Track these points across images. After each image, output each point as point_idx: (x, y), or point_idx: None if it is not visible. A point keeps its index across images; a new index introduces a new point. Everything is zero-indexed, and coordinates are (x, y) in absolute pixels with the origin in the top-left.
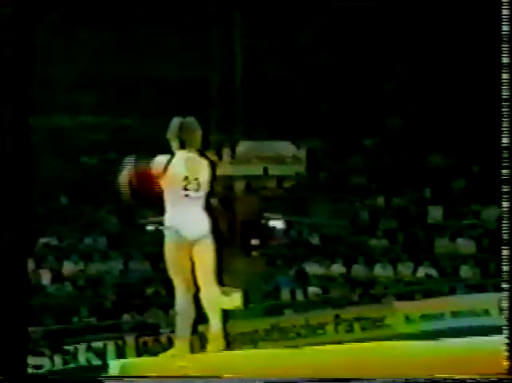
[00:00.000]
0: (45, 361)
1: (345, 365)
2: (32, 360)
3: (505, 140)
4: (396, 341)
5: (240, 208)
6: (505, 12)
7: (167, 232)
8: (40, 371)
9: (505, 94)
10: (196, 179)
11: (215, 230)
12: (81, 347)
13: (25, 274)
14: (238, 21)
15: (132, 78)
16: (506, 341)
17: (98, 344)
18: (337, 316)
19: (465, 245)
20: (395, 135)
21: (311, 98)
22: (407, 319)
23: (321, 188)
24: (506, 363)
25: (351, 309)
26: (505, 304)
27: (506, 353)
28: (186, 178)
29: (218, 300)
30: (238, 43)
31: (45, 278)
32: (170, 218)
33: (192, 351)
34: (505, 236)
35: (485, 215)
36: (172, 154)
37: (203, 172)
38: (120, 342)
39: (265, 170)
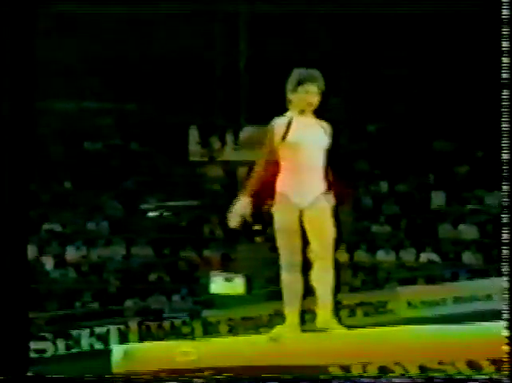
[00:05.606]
0: (48, 346)
1: (347, 350)
2: (35, 344)
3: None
4: (399, 326)
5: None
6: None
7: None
8: (43, 355)
9: (505, 94)
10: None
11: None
12: (84, 332)
13: (25, 262)
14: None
15: (136, 62)
16: (506, 326)
17: (101, 329)
18: (339, 302)
19: (468, 231)
20: (399, 120)
21: None
22: (410, 305)
23: None
24: (505, 348)
25: (353, 294)
26: (505, 289)
27: (506, 339)
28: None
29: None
30: (243, 25)
31: (49, 263)
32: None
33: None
34: (504, 219)
35: (488, 200)
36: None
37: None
38: (123, 327)
39: None
